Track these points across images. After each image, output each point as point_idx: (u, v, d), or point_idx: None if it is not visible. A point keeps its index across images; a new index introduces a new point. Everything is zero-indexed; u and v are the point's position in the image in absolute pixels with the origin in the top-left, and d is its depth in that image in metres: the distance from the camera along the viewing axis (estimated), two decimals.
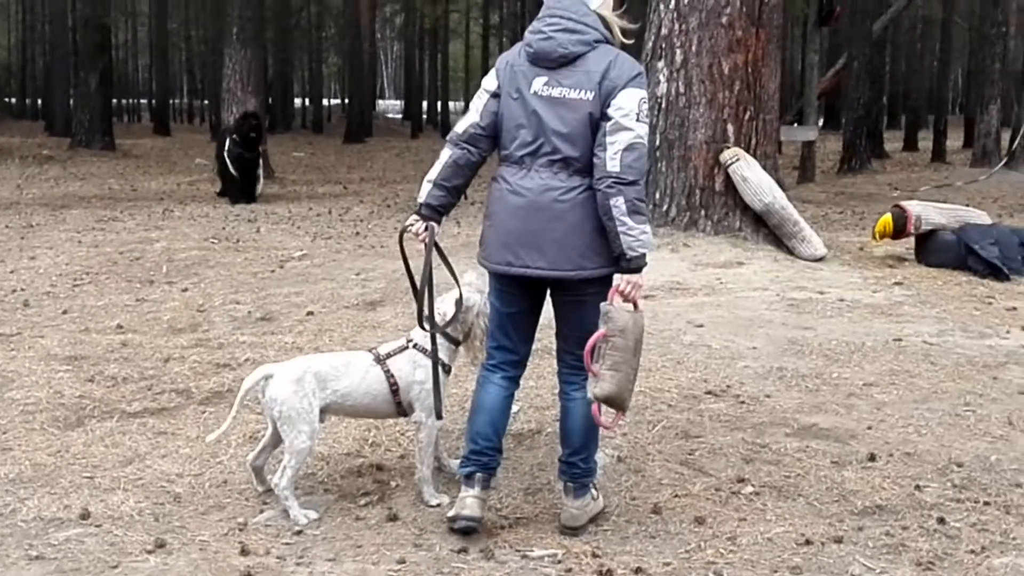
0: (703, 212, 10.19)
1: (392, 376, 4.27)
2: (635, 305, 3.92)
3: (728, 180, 10.09)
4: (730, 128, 10.20)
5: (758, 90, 10.31)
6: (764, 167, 10.22)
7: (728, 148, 10.10)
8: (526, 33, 3.99)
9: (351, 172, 22.43)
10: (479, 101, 4.05)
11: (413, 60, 51.24)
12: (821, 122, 32.52)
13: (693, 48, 10.16)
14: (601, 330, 3.83)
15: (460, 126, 4.08)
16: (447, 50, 50.97)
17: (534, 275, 3.92)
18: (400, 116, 55.41)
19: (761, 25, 10.24)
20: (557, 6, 3.91)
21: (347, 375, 4.27)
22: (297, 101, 52.97)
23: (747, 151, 10.17)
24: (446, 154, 4.07)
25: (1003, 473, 4.66)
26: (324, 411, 4.29)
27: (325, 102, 52.07)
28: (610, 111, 3.78)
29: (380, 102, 67.14)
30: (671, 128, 10.27)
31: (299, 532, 4.04)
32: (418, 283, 4.18)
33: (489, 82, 4.05)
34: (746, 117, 10.27)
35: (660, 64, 10.33)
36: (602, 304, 3.86)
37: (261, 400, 4.28)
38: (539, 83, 3.88)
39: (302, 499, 4.28)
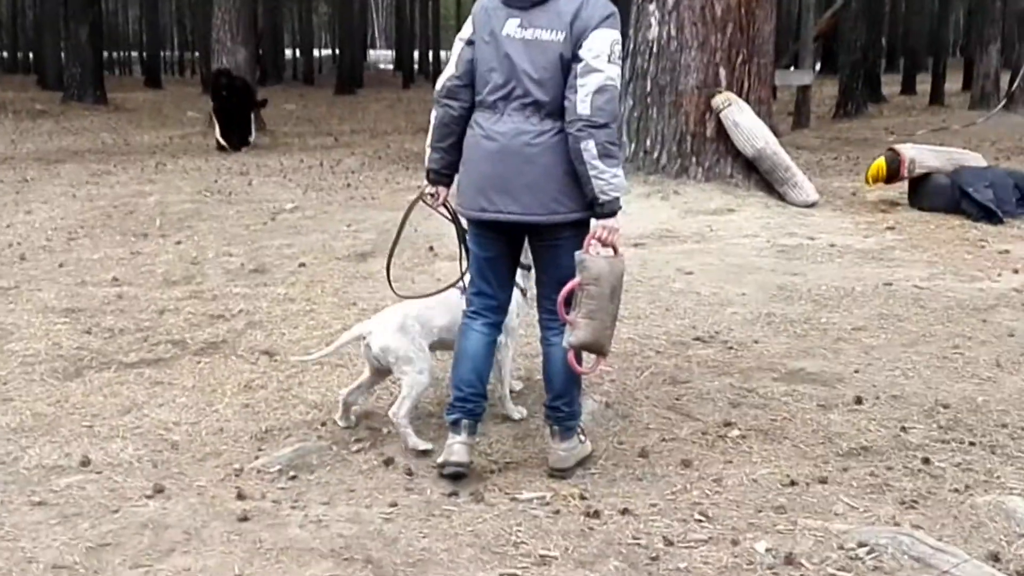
0: (694, 159, 10.17)
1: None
2: (614, 250, 3.93)
3: (720, 126, 10.06)
4: (722, 72, 10.16)
5: (752, 33, 10.24)
6: (757, 112, 10.18)
7: (720, 93, 10.07)
8: None
9: (342, 124, 22.34)
10: (455, 51, 4.06)
11: (404, 9, 50.86)
12: (818, 66, 32.36)
13: None
14: (576, 279, 3.86)
15: (439, 81, 4.09)
16: None
17: (507, 220, 3.93)
18: (392, 66, 55.08)
19: None
20: None
21: (444, 312, 4.45)
22: (288, 52, 52.62)
23: (740, 96, 10.13)
24: (433, 115, 4.11)
25: (989, 414, 4.71)
26: (431, 349, 4.47)
27: (316, 53, 51.76)
28: (581, 52, 3.77)
29: (371, 52, 66.78)
30: (662, 73, 10.22)
31: (294, 477, 4.11)
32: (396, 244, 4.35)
33: (465, 30, 4.05)
34: (739, 61, 10.21)
35: (651, 7, 10.26)
36: (576, 253, 3.88)
37: (368, 356, 4.41)
38: (512, 25, 3.86)
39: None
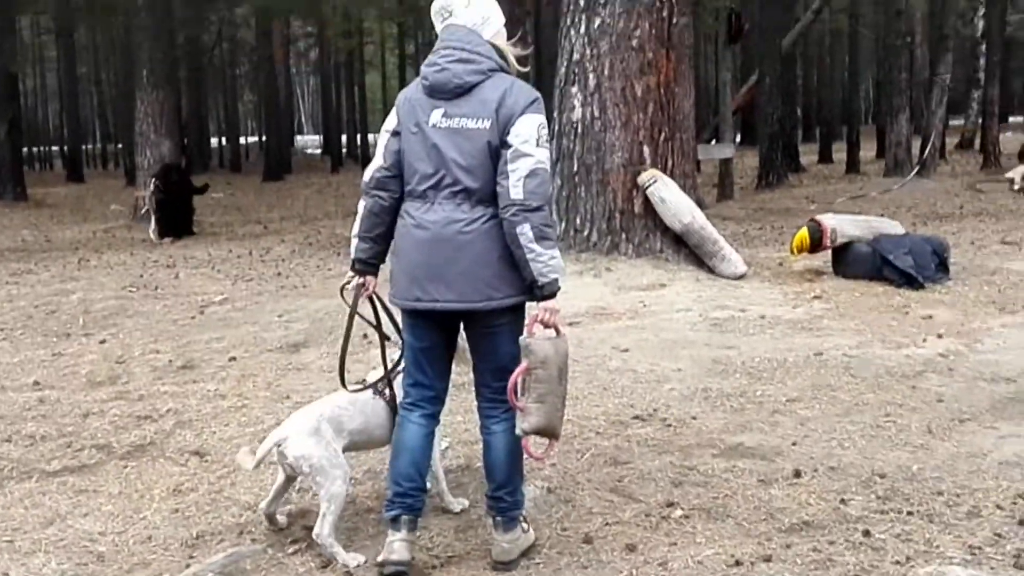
0: (624, 235, 10.27)
1: (393, 402, 4.34)
2: (556, 331, 3.92)
3: (647, 202, 10.18)
4: (646, 150, 10.31)
5: (672, 111, 10.43)
6: (683, 187, 10.34)
7: (645, 170, 10.20)
8: (422, 67, 3.98)
9: (271, 211, 22.24)
10: (381, 142, 4.06)
11: (330, 94, 51.05)
12: (738, 139, 33.03)
13: (605, 72, 10.27)
14: (523, 364, 3.84)
15: (368, 173, 4.07)
16: (364, 81, 50.81)
17: (442, 308, 3.90)
18: (319, 151, 55.14)
19: (671, 46, 10.38)
20: (451, 38, 3.92)
21: (360, 413, 4.35)
22: (214, 140, 52.47)
23: (664, 172, 10.29)
24: (361, 205, 4.09)
25: (925, 482, 4.73)
26: (343, 451, 4.34)
27: (242, 140, 51.68)
28: (509, 138, 3.79)
29: (299, 138, 66.90)
30: (588, 152, 10.35)
31: None
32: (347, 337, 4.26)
33: (389, 122, 4.05)
34: (661, 138, 10.38)
35: (574, 89, 10.43)
36: (521, 338, 3.87)
37: (283, 463, 4.26)
38: (437, 115, 3.88)
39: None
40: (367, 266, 4.15)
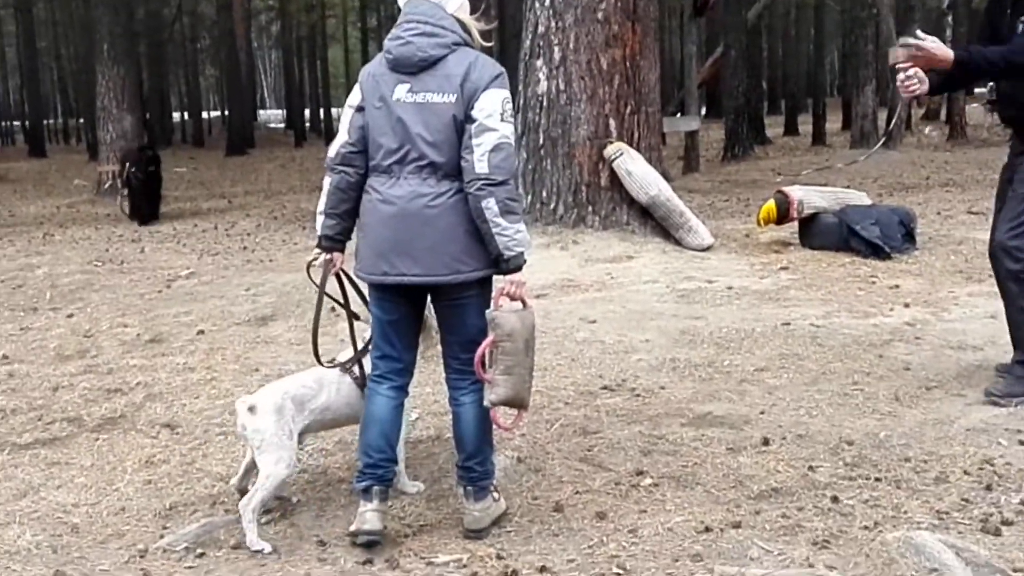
0: (590, 208, 10.28)
1: (362, 380, 4.32)
2: (523, 303, 3.95)
3: (613, 175, 10.20)
4: (612, 123, 10.32)
5: (638, 84, 10.44)
6: (648, 160, 10.35)
7: (611, 143, 10.22)
8: (385, 41, 3.98)
9: (235, 186, 22.10)
10: (345, 118, 4.04)
11: (292, 68, 50.68)
12: (703, 111, 33.06)
13: (571, 45, 10.25)
14: (489, 337, 3.87)
15: (332, 148, 4.06)
16: (326, 56, 50.46)
17: (409, 282, 3.91)
18: (283, 126, 54.77)
19: (637, 19, 10.38)
20: (414, 12, 3.91)
21: (322, 391, 4.30)
22: (176, 116, 52.00)
23: (630, 145, 10.30)
24: (327, 181, 4.07)
25: (892, 448, 4.79)
26: (306, 430, 4.32)
27: (205, 115, 51.18)
28: (474, 113, 3.79)
29: (261, 112, 66.33)
30: (554, 126, 10.34)
31: (202, 555, 3.99)
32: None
33: (353, 97, 4.04)
34: (627, 111, 10.39)
35: (539, 63, 10.40)
36: (487, 311, 3.90)
37: (240, 432, 4.22)
38: (402, 90, 3.87)
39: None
40: (334, 242, 4.14)
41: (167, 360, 6.74)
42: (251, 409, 4.14)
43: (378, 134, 3.93)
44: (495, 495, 4.19)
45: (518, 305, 3.94)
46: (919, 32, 5.13)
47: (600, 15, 10.19)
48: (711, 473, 4.59)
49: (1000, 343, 6.17)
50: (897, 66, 5.06)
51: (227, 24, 36.35)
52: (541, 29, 10.37)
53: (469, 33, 3.98)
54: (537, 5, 10.40)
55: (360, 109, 4.00)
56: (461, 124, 3.82)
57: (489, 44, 4.12)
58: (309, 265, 4.28)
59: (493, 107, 3.80)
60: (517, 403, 3.98)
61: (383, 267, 3.92)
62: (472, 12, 4.07)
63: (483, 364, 3.89)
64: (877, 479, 4.45)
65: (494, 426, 4.12)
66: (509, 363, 3.87)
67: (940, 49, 4.96)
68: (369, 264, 3.98)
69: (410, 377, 4.23)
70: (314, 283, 4.26)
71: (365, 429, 4.13)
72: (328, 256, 4.17)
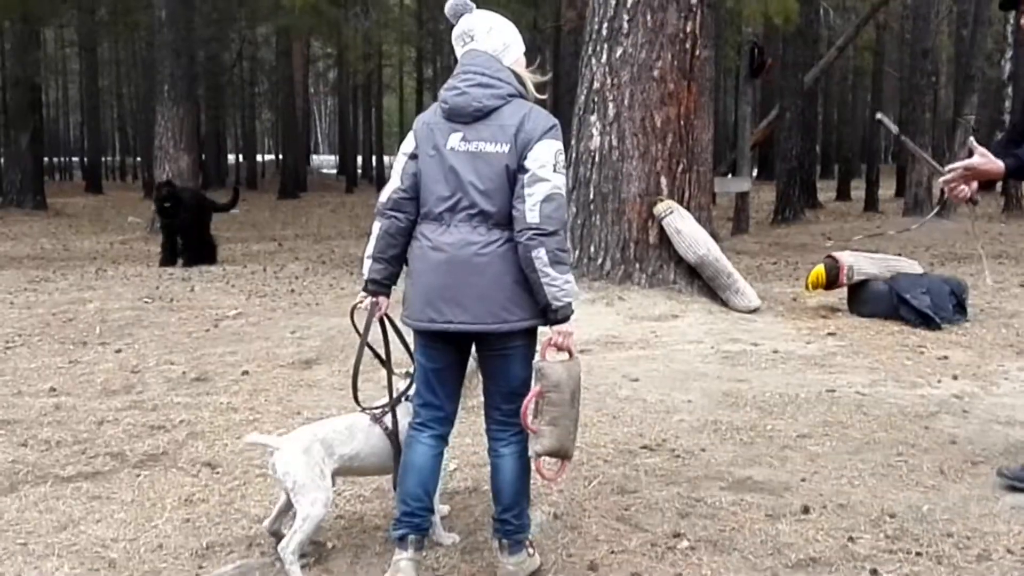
0: (638, 265, 10.29)
1: (391, 432, 4.34)
2: (570, 354, 3.95)
3: (662, 233, 10.21)
4: (663, 181, 10.35)
5: (691, 142, 10.47)
6: (698, 219, 10.36)
7: (662, 200, 10.24)
8: (441, 91, 4.02)
9: (285, 228, 22.34)
10: (399, 165, 4.07)
11: (347, 115, 51.42)
12: (755, 173, 33.05)
13: (625, 102, 10.32)
14: (536, 388, 3.87)
15: (384, 194, 4.09)
16: (381, 104, 51.11)
17: (456, 330, 3.91)
18: (335, 171, 55.40)
19: (692, 78, 10.43)
20: (471, 63, 3.96)
21: (352, 438, 4.33)
22: (231, 157, 52.80)
23: (681, 203, 10.31)
24: (376, 226, 4.10)
25: (935, 523, 4.71)
26: (334, 475, 4.33)
27: (259, 158, 51.99)
28: (527, 163, 3.81)
29: (315, 157, 67.24)
30: (605, 181, 10.39)
31: None
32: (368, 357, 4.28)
33: (407, 145, 4.08)
34: (679, 169, 10.42)
35: (593, 118, 10.48)
36: (535, 361, 3.91)
37: (272, 474, 4.27)
38: (455, 139, 3.90)
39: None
40: (380, 286, 4.16)
41: (211, 399, 6.80)
42: (276, 453, 4.18)
43: (431, 181, 3.96)
44: (530, 550, 4.17)
45: (565, 356, 3.95)
46: (971, 141, 5.11)
47: (656, 73, 10.26)
48: (749, 539, 4.54)
49: None
50: (945, 187, 5.05)
51: (286, 70, 37.00)
52: (596, 85, 10.45)
53: (524, 85, 4.02)
54: (594, 61, 10.49)
55: (413, 156, 4.04)
56: (514, 174, 3.84)
57: (543, 97, 4.15)
58: (353, 309, 4.31)
59: (546, 158, 3.82)
60: (562, 454, 3.99)
61: (431, 314, 3.94)
62: (528, 65, 4.12)
63: (528, 414, 3.89)
64: (918, 553, 4.38)
65: (537, 476, 4.11)
66: (555, 414, 3.88)
67: (989, 164, 4.92)
68: (417, 311, 3.99)
69: (451, 427, 4.23)
70: (356, 328, 4.29)
71: (403, 477, 4.13)
72: (374, 299, 4.20)
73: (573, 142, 10.67)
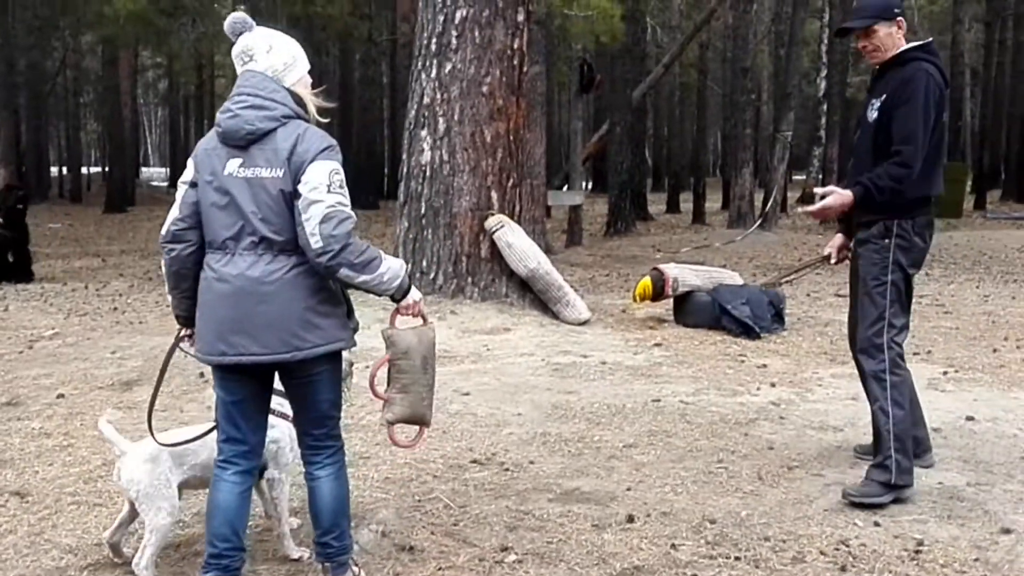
0: (470, 279, 10.32)
1: None
2: (424, 320, 3.96)
3: (493, 247, 10.27)
4: (494, 195, 10.41)
5: (521, 157, 10.58)
6: (531, 232, 10.47)
7: (492, 215, 10.30)
8: (217, 114, 3.86)
9: (111, 244, 21.62)
10: (179, 194, 3.91)
11: (178, 126, 50.22)
12: (588, 186, 33.62)
13: (455, 117, 10.35)
14: (385, 356, 3.89)
15: (164, 226, 3.93)
16: (214, 115, 49.96)
17: (249, 362, 3.76)
18: (166, 184, 53.97)
19: (521, 94, 10.53)
20: (246, 84, 3.81)
21: (203, 449, 4.19)
22: (54, 170, 50.88)
23: (512, 217, 10.40)
24: (163, 261, 3.97)
25: (753, 527, 4.84)
26: (183, 486, 4.21)
27: (84, 170, 50.21)
28: (300, 188, 3.67)
29: (144, 170, 65.36)
30: (436, 196, 10.39)
31: None
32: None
33: (187, 173, 3.92)
34: (510, 184, 10.50)
35: (423, 132, 10.47)
36: (383, 329, 3.91)
37: (116, 481, 4.13)
38: (234, 164, 3.76)
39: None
40: (189, 319, 4.01)
41: (22, 424, 6.49)
42: (122, 459, 4.09)
43: (212, 210, 3.79)
44: (355, 570, 4.10)
45: (417, 321, 3.94)
46: (816, 190, 5.41)
47: (485, 89, 10.32)
48: (575, 550, 4.58)
49: (859, 425, 6.34)
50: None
51: (112, 80, 35.82)
52: (427, 100, 10.45)
53: (304, 106, 3.87)
54: (423, 76, 10.48)
55: (193, 185, 3.86)
56: (290, 198, 3.70)
57: (326, 121, 3.98)
58: (178, 339, 4.18)
59: (319, 179, 3.67)
60: (416, 420, 4.00)
61: (221, 347, 3.78)
62: (315, 86, 3.99)
63: (376, 383, 3.91)
64: (737, 558, 4.49)
65: (393, 445, 4.12)
66: (406, 381, 3.89)
67: (837, 199, 5.17)
68: (208, 344, 3.82)
69: (258, 460, 4.08)
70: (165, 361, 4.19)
71: (210, 517, 3.94)
72: (188, 331, 4.06)
73: (404, 156, 10.65)
